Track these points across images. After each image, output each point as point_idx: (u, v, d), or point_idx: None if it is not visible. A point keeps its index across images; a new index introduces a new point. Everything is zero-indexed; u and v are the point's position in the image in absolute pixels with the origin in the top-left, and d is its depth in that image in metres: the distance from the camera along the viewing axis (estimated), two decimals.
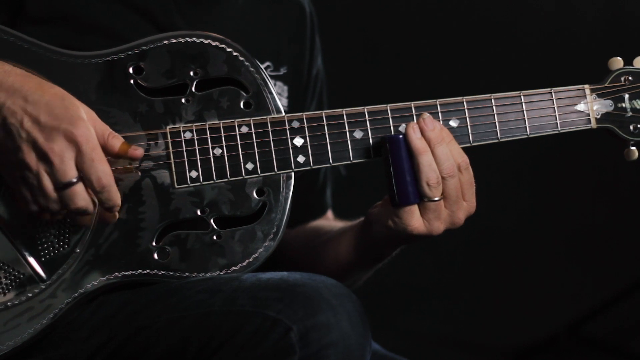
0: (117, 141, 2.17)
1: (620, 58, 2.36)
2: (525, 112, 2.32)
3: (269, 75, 2.32)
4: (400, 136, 2.25)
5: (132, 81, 2.26)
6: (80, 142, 2.11)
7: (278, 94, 2.31)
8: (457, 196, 2.25)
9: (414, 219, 2.25)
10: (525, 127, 2.32)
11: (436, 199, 2.24)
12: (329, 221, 2.74)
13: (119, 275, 2.22)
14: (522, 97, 2.33)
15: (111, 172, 2.14)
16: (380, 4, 4.35)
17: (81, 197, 2.13)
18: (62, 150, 2.10)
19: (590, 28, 4.35)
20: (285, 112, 2.28)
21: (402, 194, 2.24)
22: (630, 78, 2.35)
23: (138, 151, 2.19)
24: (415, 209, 2.25)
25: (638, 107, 2.35)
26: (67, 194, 2.12)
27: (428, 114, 2.27)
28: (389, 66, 4.35)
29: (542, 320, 4.50)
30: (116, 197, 2.15)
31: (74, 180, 2.11)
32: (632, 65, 2.36)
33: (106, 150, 2.15)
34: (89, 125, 2.13)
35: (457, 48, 4.35)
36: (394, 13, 4.35)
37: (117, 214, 2.20)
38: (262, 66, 2.31)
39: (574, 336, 4.49)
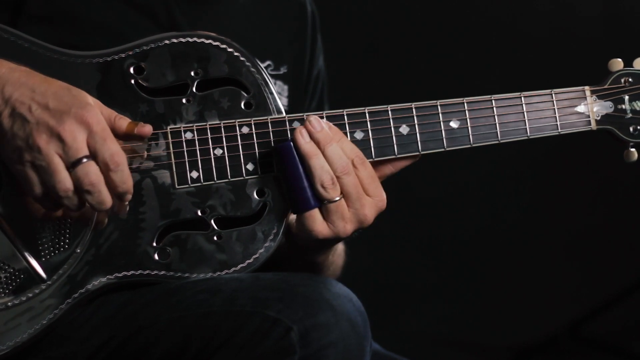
0: (124, 122, 2.17)
1: (620, 59, 2.37)
2: (525, 113, 2.33)
3: (269, 74, 2.32)
4: (290, 142, 2.23)
5: (132, 81, 2.26)
6: (91, 123, 2.10)
7: (278, 94, 2.31)
8: (357, 193, 2.22)
9: (317, 224, 2.22)
10: (526, 128, 2.33)
11: (336, 199, 2.22)
12: None
13: (119, 275, 2.22)
14: (522, 98, 2.33)
15: (123, 152, 2.13)
16: (382, 4, 4.35)
17: (94, 172, 2.10)
18: (74, 131, 2.10)
19: (590, 29, 4.35)
20: (286, 112, 2.29)
21: (300, 200, 2.22)
22: (630, 80, 2.35)
23: (146, 128, 2.19)
24: (315, 213, 2.22)
25: (638, 108, 2.35)
26: (79, 170, 2.10)
27: (315, 116, 2.25)
28: (389, 67, 4.35)
29: (542, 320, 4.50)
30: (129, 180, 2.14)
31: (85, 159, 2.11)
32: (632, 67, 2.36)
33: (114, 132, 2.15)
34: (97, 109, 2.13)
35: (457, 49, 4.35)
36: (395, 13, 4.35)
37: (127, 205, 2.20)
38: (263, 65, 2.31)
39: (574, 336, 4.49)
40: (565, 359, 4.53)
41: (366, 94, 4.18)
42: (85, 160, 2.10)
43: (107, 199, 2.13)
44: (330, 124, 2.25)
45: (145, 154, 2.24)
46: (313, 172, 2.20)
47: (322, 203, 2.21)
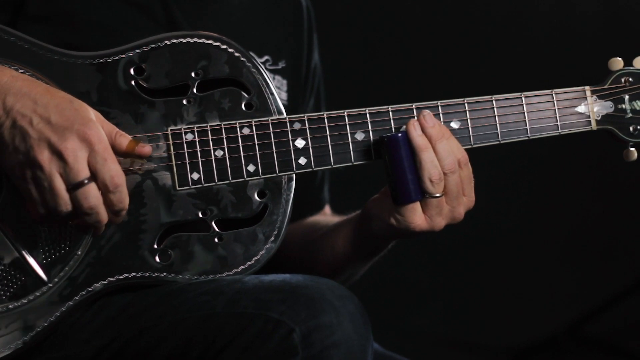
0: (124, 139, 2.17)
1: (620, 59, 2.36)
2: (526, 113, 2.33)
3: (268, 69, 2.32)
4: (400, 134, 2.25)
5: (133, 82, 2.25)
6: (93, 142, 2.11)
7: (277, 88, 2.31)
8: (457, 192, 2.26)
9: (417, 216, 2.26)
10: (526, 128, 2.33)
11: (438, 195, 2.25)
12: (327, 216, 2.74)
13: (121, 277, 2.22)
14: (522, 98, 2.33)
15: (123, 172, 2.14)
16: (381, 4, 4.35)
17: (93, 196, 2.12)
18: (76, 150, 2.10)
19: (590, 29, 4.35)
20: (285, 107, 2.28)
21: (404, 191, 2.24)
22: (630, 79, 2.35)
23: (146, 148, 2.19)
24: (417, 206, 2.25)
25: (638, 108, 2.35)
26: (79, 194, 2.11)
27: (428, 111, 2.27)
28: (390, 67, 4.35)
29: (542, 320, 4.50)
30: (126, 199, 2.15)
31: (86, 180, 2.11)
32: (632, 66, 2.36)
33: (114, 149, 2.15)
34: (99, 126, 2.13)
35: (458, 49, 4.35)
36: (395, 13, 4.35)
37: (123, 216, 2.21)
38: (261, 60, 2.31)
39: (574, 336, 4.49)
40: (565, 359, 4.53)
41: (367, 95, 4.18)
42: (86, 182, 2.11)
43: (104, 219, 2.15)
44: (440, 122, 2.27)
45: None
46: (423, 166, 2.23)
47: (424, 196, 2.24)
